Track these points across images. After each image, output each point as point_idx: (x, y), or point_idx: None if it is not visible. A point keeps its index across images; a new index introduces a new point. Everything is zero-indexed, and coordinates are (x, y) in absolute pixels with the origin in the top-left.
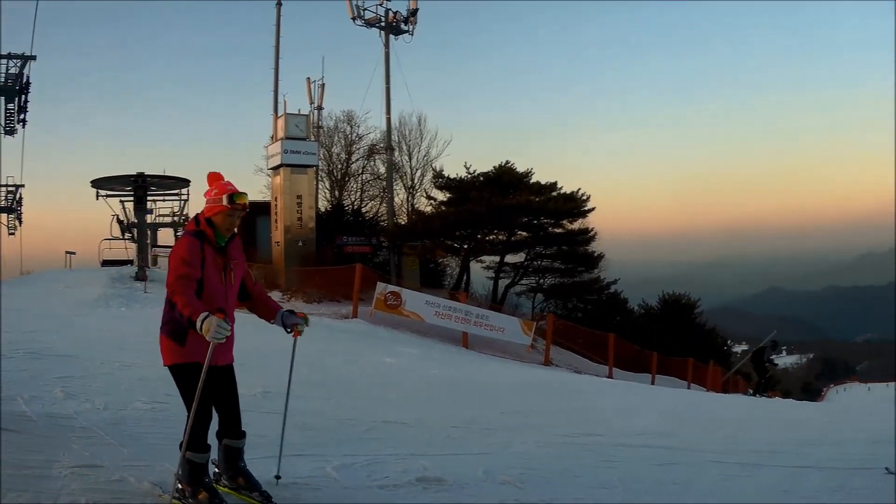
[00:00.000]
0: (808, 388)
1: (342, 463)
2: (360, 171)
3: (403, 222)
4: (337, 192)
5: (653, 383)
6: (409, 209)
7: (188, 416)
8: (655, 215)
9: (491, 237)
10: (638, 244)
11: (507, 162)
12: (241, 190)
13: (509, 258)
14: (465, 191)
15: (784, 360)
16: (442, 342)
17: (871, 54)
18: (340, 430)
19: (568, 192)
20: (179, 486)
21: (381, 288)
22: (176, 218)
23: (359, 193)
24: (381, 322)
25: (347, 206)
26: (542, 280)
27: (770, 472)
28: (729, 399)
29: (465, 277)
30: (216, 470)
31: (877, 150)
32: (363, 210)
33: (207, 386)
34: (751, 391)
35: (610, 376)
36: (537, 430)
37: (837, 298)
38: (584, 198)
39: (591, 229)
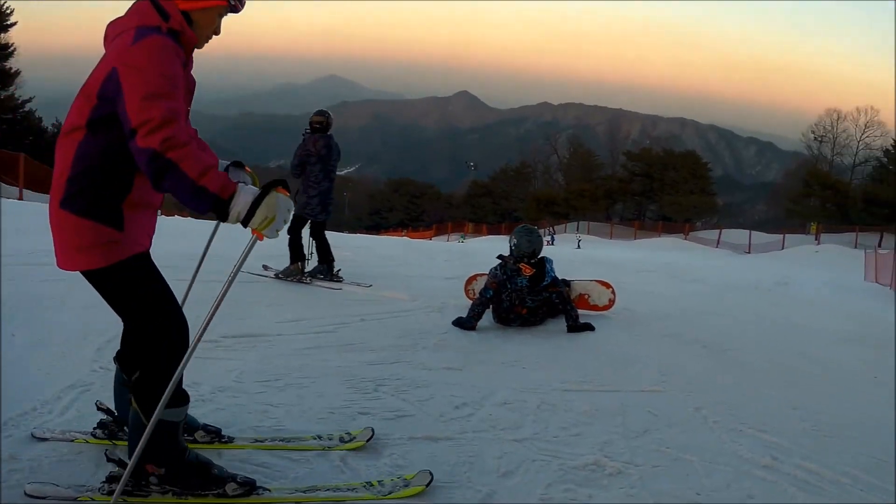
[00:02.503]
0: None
1: None
2: None
3: None
4: None
5: None
6: None
7: (148, 342)
8: (78, 34)
9: None
10: (60, 61)
11: None
12: None
13: None
14: None
15: None
16: None
17: None
18: None
19: None
20: (131, 468)
21: None
22: None
23: None
24: None
25: None
26: None
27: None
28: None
29: None
30: (105, 417)
31: None
32: None
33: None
34: None
35: (20, 198)
36: None
37: (252, 125)
38: (8, 11)
39: (12, 45)
